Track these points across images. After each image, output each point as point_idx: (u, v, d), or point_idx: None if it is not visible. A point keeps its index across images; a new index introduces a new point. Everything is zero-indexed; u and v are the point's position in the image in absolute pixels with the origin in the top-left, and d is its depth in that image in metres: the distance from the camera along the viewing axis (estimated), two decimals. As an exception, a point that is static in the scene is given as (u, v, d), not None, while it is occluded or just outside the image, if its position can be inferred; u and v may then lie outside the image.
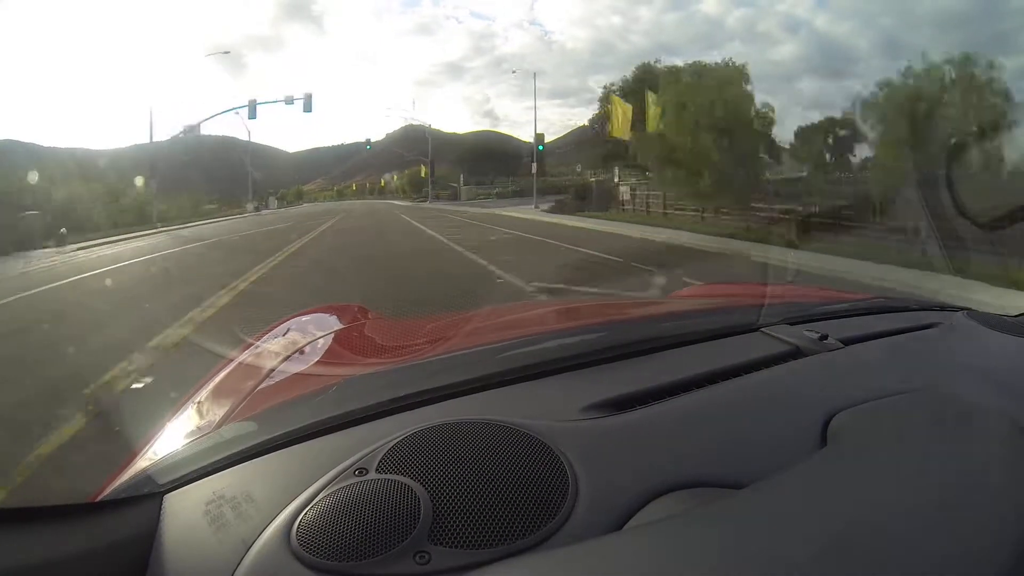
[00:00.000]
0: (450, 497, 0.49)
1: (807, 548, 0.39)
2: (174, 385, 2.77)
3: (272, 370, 0.98)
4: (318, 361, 1.06)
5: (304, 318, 1.48)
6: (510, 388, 0.73)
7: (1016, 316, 1.05)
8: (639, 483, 0.52)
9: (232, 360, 1.12)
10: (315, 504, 0.50)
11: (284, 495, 0.53)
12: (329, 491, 0.51)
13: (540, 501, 0.49)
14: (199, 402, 0.98)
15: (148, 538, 0.52)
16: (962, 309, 1.07)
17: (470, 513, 0.48)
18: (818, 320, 0.99)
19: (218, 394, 0.99)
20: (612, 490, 0.52)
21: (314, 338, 1.23)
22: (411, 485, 0.50)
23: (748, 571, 0.37)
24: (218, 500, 0.55)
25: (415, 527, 0.46)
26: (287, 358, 1.05)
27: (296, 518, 0.49)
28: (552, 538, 0.47)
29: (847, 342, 0.85)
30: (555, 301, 1.96)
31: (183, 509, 0.55)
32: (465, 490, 0.50)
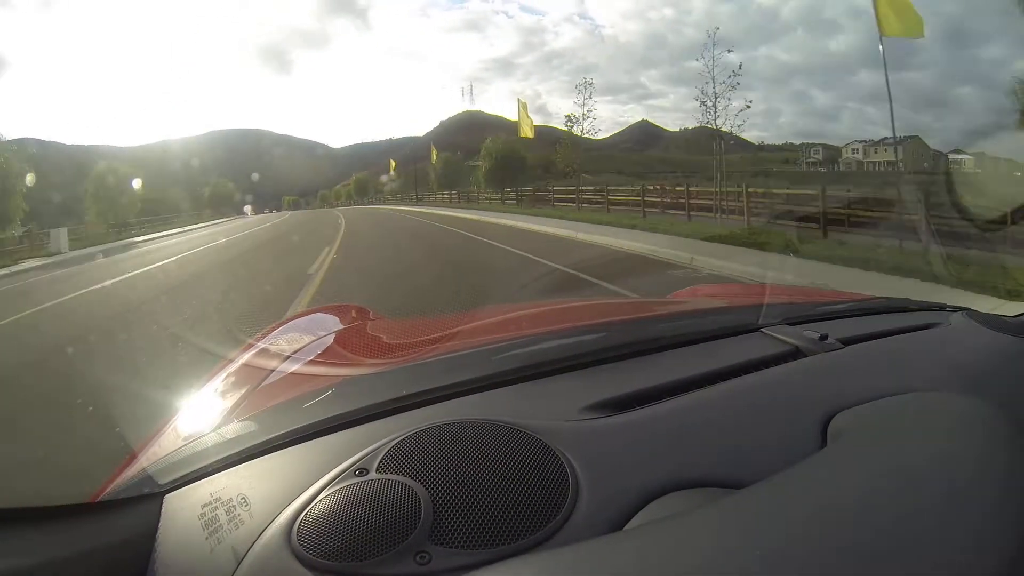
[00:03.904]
0: (451, 497, 0.49)
1: (807, 548, 0.39)
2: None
3: (272, 371, 0.98)
4: (318, 361, 1.06)
5: (304, 319, 1.48)
6: (510, 388, 0.73)
7: (1016, 316, 1.05)
8: (639, 483, 0.52)
9: (232, 360, 1.12)
10: (315, 504, 0.50)
11: (284, 495, 0.53)
12: (329, 491, 0.51)
13: (540, 501, 0.49)
14: (200, 403, 0.98)
15: (148, 538, 0.52)
16: (962, 309, 1.07)
17: (471, 513, 0.48)
18: (818, 320, 0.99)
19: (218, 395, 0.99)
20: (612, 490, 0.52)
21: (314, 339, 1.23)
22: (411, 485, 0.50)
23: (748, 571, 0.37)
24: (218, 501, 0.55)
25: (416, 527, 0.46)
26: (287, 358, 1.05)
27: (296, 518, 0.49)
28: (552, 538, 0.47)
29: (847, 342, 0.85)
30: (555, 301, 1.97)
31: (183, 509, 0.55)
32: (466, 490, 0.50)
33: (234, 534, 0.50)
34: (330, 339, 1.23)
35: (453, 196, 32.06)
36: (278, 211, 63.24)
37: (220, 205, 44.56)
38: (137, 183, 26.59)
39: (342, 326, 1.42)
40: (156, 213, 32.19)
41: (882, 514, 0.42)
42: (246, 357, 1.13)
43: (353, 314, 1.57)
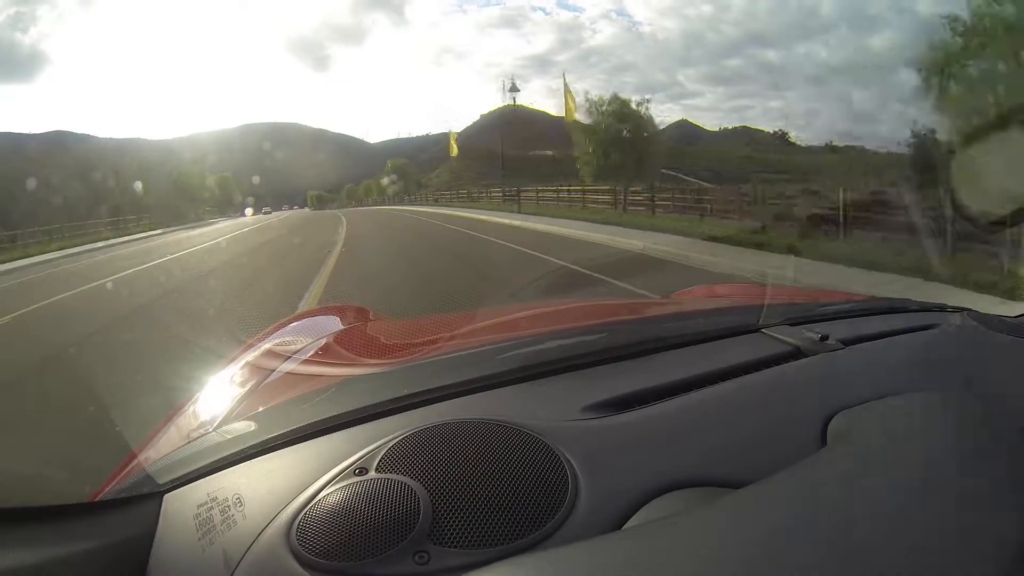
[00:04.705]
0: (450, 497, 0.49)
1: (806, 547, 0.39)
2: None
3: (273, 370, 0.98)
4: (318, 361, 1.06)
5: (304, 319, 1.49)
6: (510, 388, 0.73)
7: (1016, 317, 1.05)
8: (639, 483, 0.52)
9: (233, 360, 1.12)
10: (315, 503, 0.50)
11: (284, 494, 0.53)
12: (329, 490, 0.51)
13: (540, 501, 0.49)
14: (200, 402, 0.98)
15: (148, 538, 0.52)
16: (962, 310, 1.06)
17: (470, 513, 0.48)
18: (819, 321, 0.98)
19: (219, 394, 0.99)
20: (612, 489, 0.52)
21: (314, 339, 1.23)
22: (411, 485, 0.50)
23: (747, 570, 0.37)
24: (218, 500, 0.55)
25: (415, 527, 0.46)
26: (287, 358, 1.05)
27: (296, 517, 0.49)
28: (552, 537, 0.47)
29: (847, 343, 0.85)
30: (555, 302, 1.97)
31: (183, 509, 0.55)
32: (465, 490, 0.50)
33: (226, 535, 0.50)
34: (330, 339, 1.23)
35: (660, 199, 13.75)
36: (300, 208, 62.66)
37: (222, 203, 43.62)
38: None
39: (342, 326, 1.42)
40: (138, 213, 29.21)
41: (881, 514, 0.42)
42: (247, 357, 1.13)
43: (353, 314, 1.57)
